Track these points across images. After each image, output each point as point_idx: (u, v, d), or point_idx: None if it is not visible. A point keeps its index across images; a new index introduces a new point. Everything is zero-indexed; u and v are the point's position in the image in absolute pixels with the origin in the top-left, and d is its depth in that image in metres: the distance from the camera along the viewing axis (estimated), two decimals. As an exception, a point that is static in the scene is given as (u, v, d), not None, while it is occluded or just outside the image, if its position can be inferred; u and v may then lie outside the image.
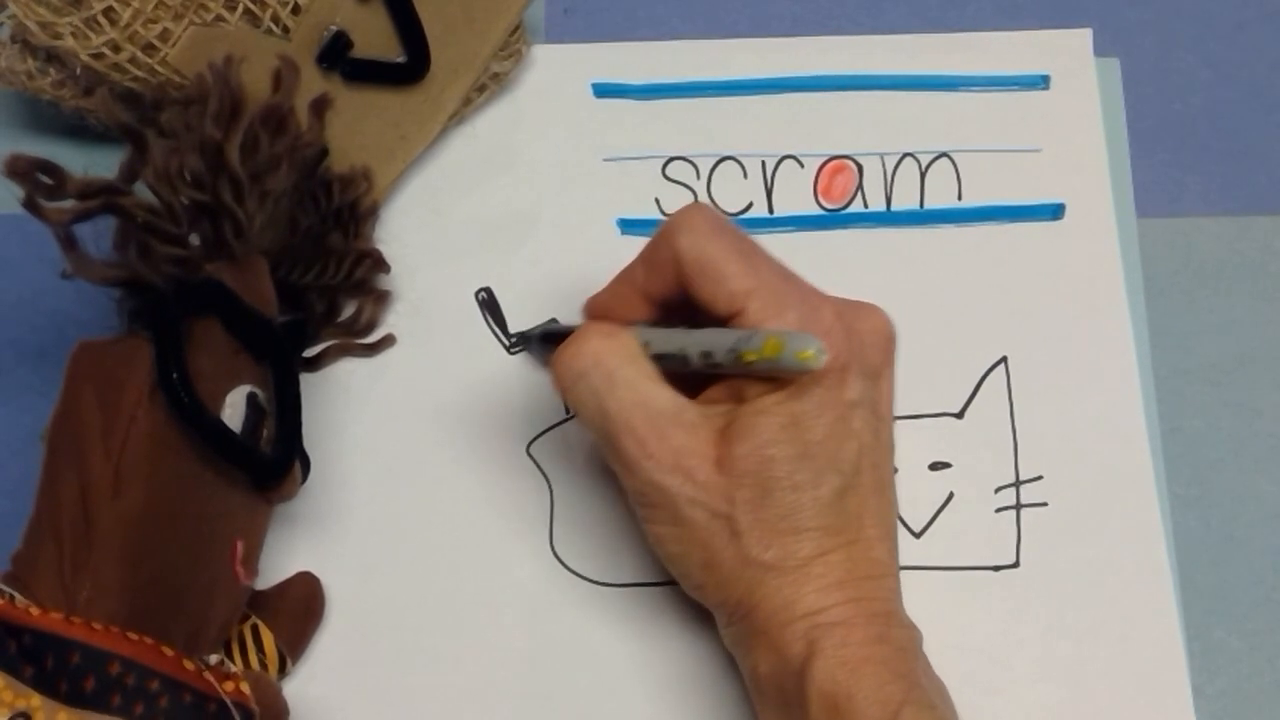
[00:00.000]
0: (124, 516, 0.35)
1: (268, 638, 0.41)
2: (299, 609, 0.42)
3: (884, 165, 0.49)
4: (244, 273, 0.40)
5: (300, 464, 0.41)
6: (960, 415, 0.46)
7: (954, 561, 0.44)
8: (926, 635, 0.43)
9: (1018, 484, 0.45)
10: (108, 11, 0.40)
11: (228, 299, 0.38)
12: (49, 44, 0.41)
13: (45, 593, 0.35)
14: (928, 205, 0.48)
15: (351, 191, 0.45)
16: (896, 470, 0.45)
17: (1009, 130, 0.49)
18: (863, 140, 0.49)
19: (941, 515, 0.45)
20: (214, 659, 0.37)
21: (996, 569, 0.44)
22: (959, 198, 0.48)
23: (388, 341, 0.46)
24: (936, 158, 0.49)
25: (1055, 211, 0.48)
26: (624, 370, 0.36)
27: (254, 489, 0.39)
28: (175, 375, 0.36)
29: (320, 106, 0.43)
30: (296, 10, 0.43)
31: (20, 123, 0.48)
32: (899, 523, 0.44)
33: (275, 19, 0.42)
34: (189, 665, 0.35)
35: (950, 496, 0.45)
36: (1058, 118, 0.49)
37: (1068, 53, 0.50)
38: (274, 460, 0.39)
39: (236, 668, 0.38)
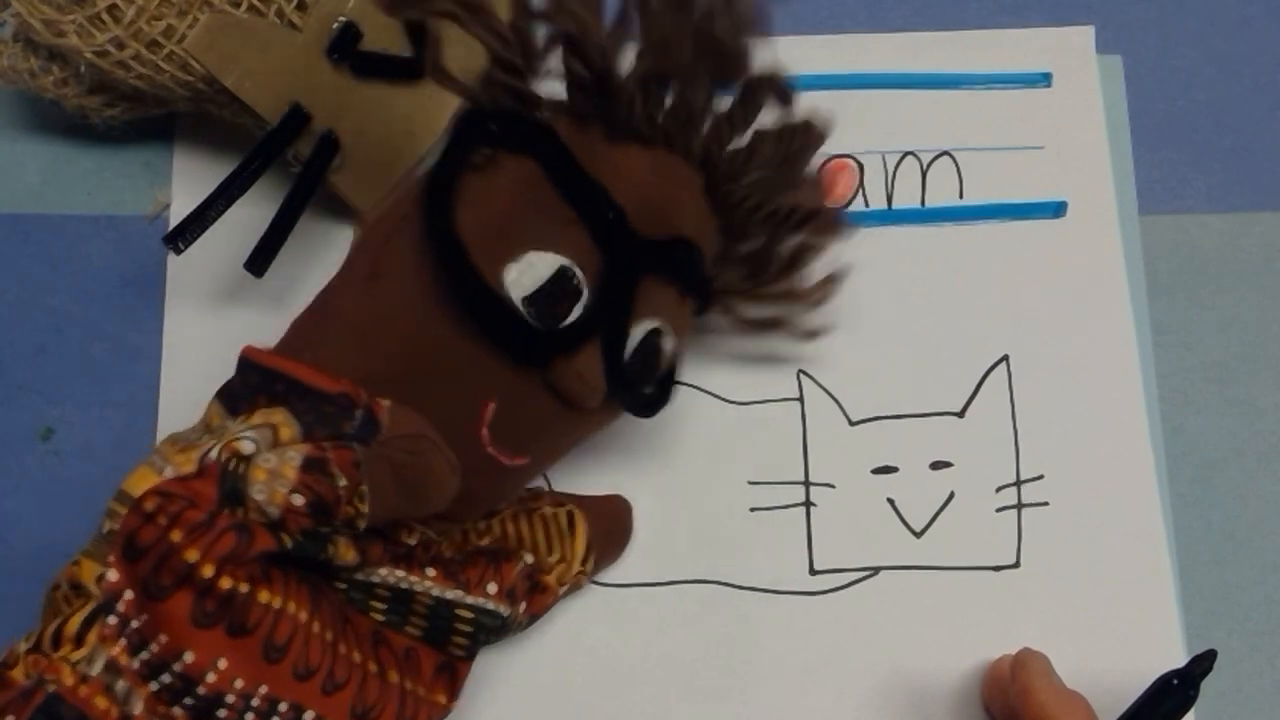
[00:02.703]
0: (360, 298, 0.36)
1: (581, 527, 0.41)
2: (611, 526, 0.43)
3: (885, 164, 0.48)
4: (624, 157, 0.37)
5: (624, 374, 0.36)
6: (961, 414, 0.46)
7: (955, 561, 0.44)
8: (927, 635, 0.43)
9: (1019, 483, 0.45)
10: (112, 9, 0.40)
11: (560, 151, 0.36)
12: (53, 42, 0.41)
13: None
14: (929, 203, 0.48)
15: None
16: (897, 470, 0.45)
17: (1011, 128, 0.49)
18: (864, 139, 0.49)
19: (942, 515, 0.45)
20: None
21: (997, 569, 0.44)
22: (960, 196, 0.48)
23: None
24: (938, 156, 0.49)
25: (1057, 209, 0.48)
26: None
27: (508, 354, 0.35)
28: (442, 184, 0.35)
29: None
30: (302, 7, 0.43)
31: (22, 122, 0.48)
32: (901, 521, 0.45)
33: (280, 14, 0.42)
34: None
35: (951, 496, 0.45)
36: (1060, 115, 0.49)
37: (1070, 50, 0.50)
38: (539, 332, 0.35)
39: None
